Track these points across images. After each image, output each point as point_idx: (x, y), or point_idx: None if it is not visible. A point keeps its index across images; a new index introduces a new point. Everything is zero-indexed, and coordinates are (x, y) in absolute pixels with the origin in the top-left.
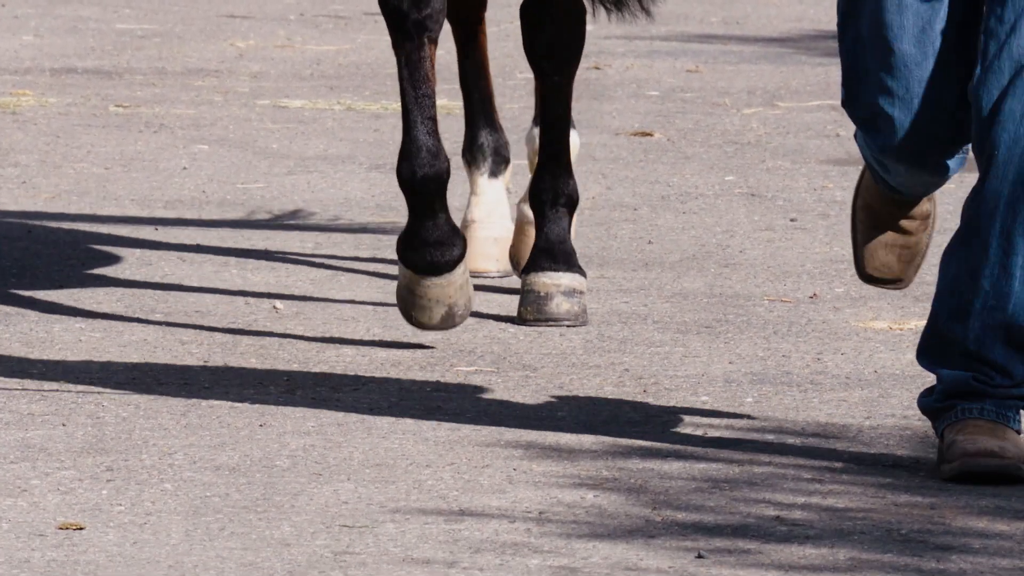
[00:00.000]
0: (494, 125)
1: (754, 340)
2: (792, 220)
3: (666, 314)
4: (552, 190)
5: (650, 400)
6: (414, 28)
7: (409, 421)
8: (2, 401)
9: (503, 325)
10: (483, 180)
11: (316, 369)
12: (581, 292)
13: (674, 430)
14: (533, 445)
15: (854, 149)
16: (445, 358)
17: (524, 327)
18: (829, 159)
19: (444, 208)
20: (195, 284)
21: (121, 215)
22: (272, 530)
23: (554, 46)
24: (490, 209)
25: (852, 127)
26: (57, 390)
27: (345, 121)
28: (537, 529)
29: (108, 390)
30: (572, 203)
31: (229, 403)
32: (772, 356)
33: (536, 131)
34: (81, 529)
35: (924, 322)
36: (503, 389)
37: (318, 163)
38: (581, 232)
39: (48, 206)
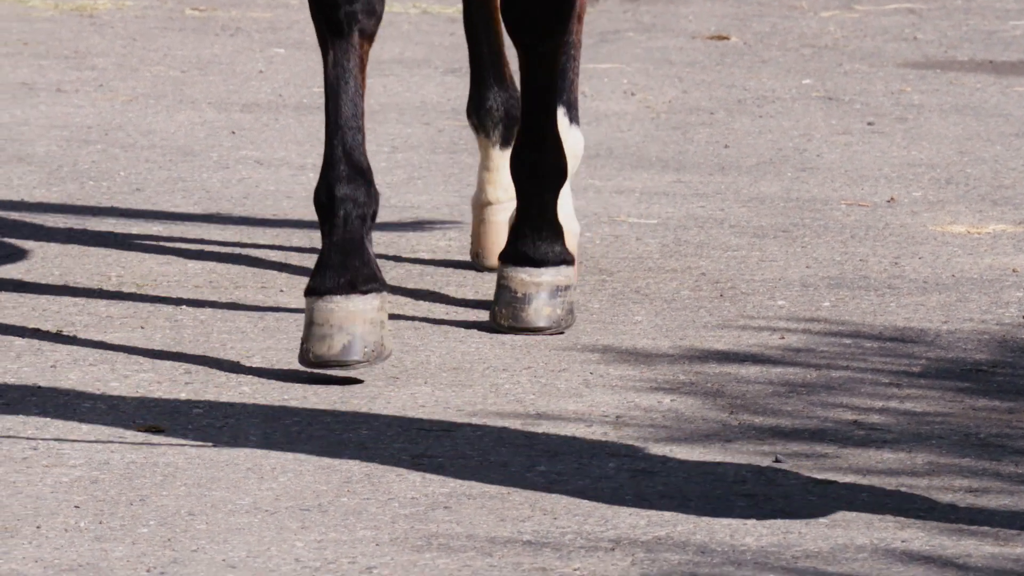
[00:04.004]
0: (504, 82)
1: (831, 244)
2: (869, 124)
3: (743, 218)
4: (531, 162)
5: (727, 304)
6: (346, 20)
7: (486, 325)
8: (81, 304)
9: (580, 229)
10: (495, 152)
11: (393, 272)
12: (567, 288)
13: (751, 334)
14: (610, 349)
15: (932, 52)
16: None
17: (592, 233)
18: (907, 62)
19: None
20: (272, 188)
21: (198, 118)
22: (350, 433)
23: (532, 11)
24: (507, 186)
25: (930, 30)
26: (135, 292)
27: (421, 25)
28: (614, 433)
29: (186, 293)
30: (557, 176)
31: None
32: (849, 260)
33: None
34: (160, 431)
35: (1002, 226)
36: (579, 293)
37: (394, 67)
38: (657, 136)
39: (125, 109)
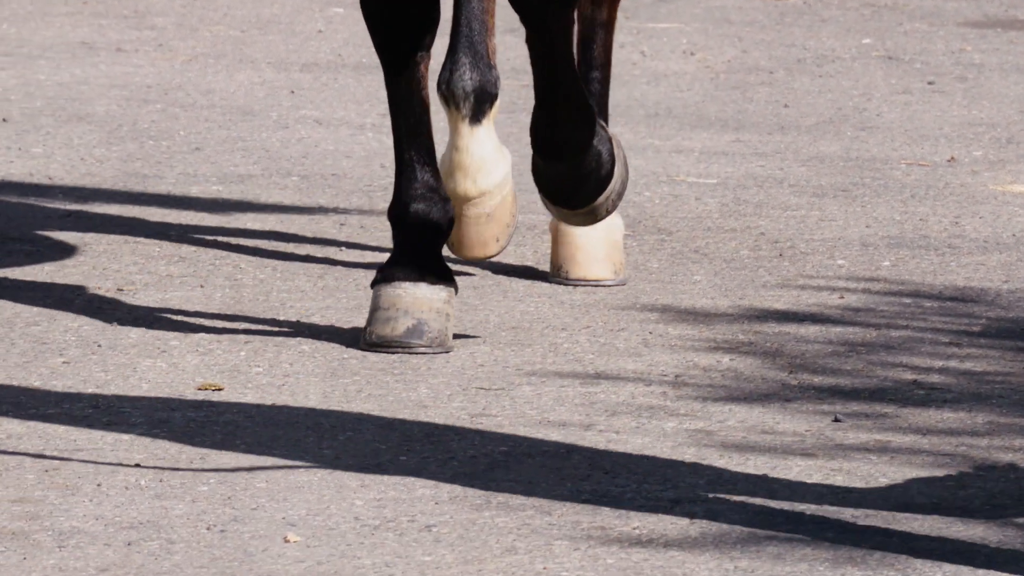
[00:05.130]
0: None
1: (891, 203)
2: (930, 83)
3: (802, 178)
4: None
5: (786, 264)
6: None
7: (544, 284)
8: (141, 263)
9: (638, 188)
10: (464, 127)
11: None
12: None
13: (811, 294)
14: (669, 308)
15: (993, 11)
16: None
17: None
18: (967, 21)
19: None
20: (331, 147)
21: (258, 78)
22: (409, 392)
23: None
24: (476, 175)
25: None
26: (195, 252)
27: None
28: (673, 392)
29: (245, 253)
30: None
31: (365, 265)
32: (909, 220)
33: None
34: (220, 390)
35: None
36: (638, 252)
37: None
38: (717, 96)
39: (185, 69)
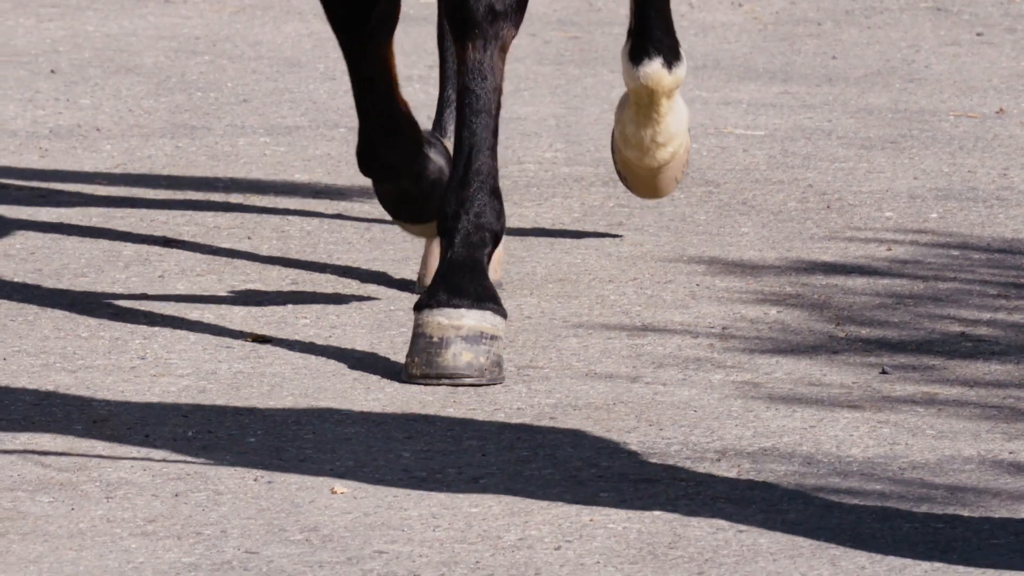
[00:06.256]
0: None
1: (939, 155)
2: (979, 34)
3: (850, 129)
4: (459, 200)
5: (834, 216)
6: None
7: (591, 237)
8: (188, 215)
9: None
10: None
11: (500, 184)
12: (492, 337)
13: (858, 246)
14: (716, 261)
15: None
16: None
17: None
18: None
19: (417, 183)
20: None
21: (305, 29)
22: None
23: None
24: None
25: None
26: (242, 203)
27: None
28: (720, 344)
29: (293, 204)
30: (491, 229)
31: None
32: (957, 171)
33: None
34: (267, 341)
35: None
36: (686, 204)
37: None
38: (764, 47)
39: (233, 20)
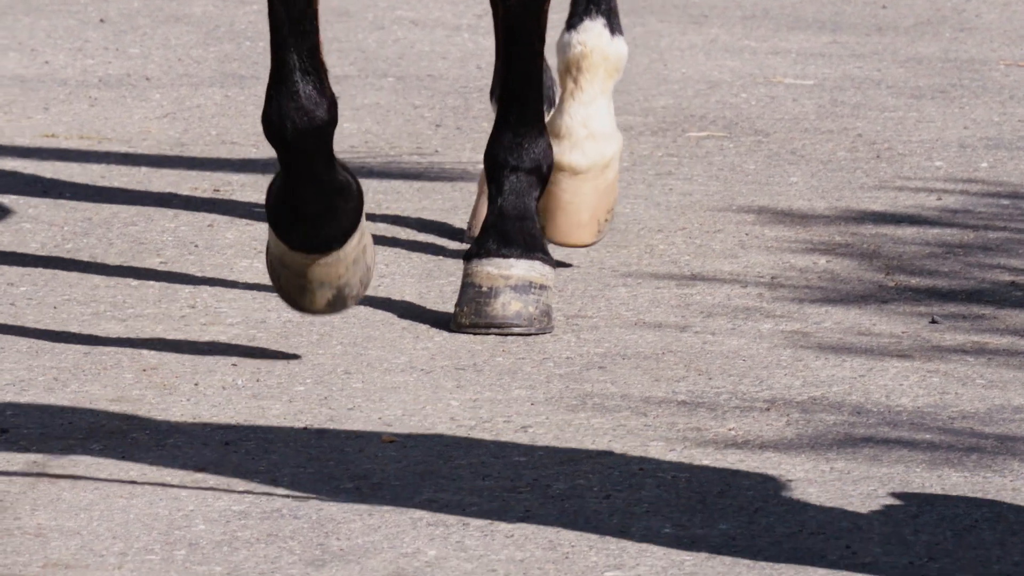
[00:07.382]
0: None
1: (989, 105)
2: None
3: (900, 79)
4: (512, 149)
5: (883, 165)
6: None
7: (641, 186)
8: (238, 163)
9: (734, 90)
10: None
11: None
12: (542, 287)
13: (908, 195)
14: (765, 210)
15: None
16: (677, 123)
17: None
18: None
19: (329, 166)
20: (427, 48)
21: None
22: None
23: None
24: None
25: None
26: None
27: None
28: (769, 294)
29: (342, 153)
30: (539, 170)
31: (462, 167)
32: (1008, 121)
33: (568, 36)
34: None
35: None
36: (735, 154)
37: None
38: None
39: None
